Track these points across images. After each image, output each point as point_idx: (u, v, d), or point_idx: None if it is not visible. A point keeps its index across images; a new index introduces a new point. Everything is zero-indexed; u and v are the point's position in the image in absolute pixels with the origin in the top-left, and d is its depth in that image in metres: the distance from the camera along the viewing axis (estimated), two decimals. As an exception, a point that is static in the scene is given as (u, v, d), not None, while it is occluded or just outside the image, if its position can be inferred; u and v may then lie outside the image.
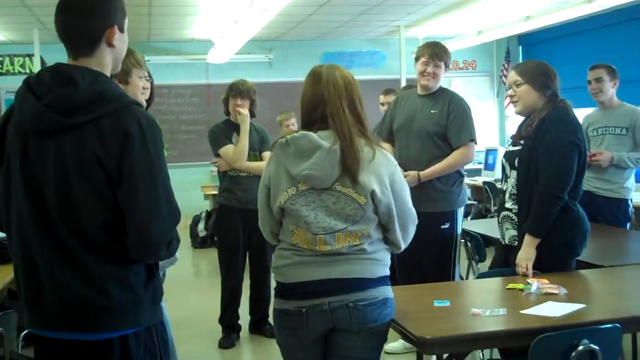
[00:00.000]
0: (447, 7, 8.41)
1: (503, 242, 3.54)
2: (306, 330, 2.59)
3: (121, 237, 2.02)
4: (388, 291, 2.62)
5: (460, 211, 4.39)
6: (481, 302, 2.87)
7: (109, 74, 2.14)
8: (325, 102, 2.57)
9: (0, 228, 2.19)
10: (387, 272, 2.66)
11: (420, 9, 8.48)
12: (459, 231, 4.37)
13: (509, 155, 3.53)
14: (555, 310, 2.73)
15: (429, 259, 4.24)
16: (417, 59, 4.38)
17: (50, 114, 1.98)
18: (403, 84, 8.85)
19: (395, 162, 2.67)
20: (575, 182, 3.32)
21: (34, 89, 2.03)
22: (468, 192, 4.78)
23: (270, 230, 2.72)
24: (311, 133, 2.55)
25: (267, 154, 4.87)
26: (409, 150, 4.31)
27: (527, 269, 3.25)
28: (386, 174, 2.56)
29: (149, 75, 4.21)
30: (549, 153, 3.28)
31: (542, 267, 3.29)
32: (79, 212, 1.99)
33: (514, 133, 3.56)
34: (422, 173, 4.20)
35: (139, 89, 2.97)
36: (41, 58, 9.40)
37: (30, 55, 9.04)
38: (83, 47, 2.08)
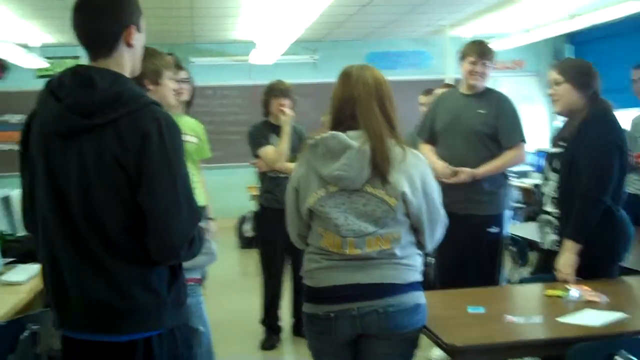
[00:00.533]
0: (492, 5, 8.25)
1: (544, 247, 3.43)
2: (335, 335, 2.54)
3: (142, 238, 2.00)
4: (420, 297, 2.55)
5: (507, 214, 4.29)
6: (517, 309, 2.79)
7: (128, 74, 2.12)
8: (355, 102, 2.52)
9: (27, 229, 2.20)
10: (419, 278, 2.59)
11: (465, 7, 8.35)
12: (505, 234, 4.26)
13: (549, 157, 3.43)
14: (594, 319, 2.63)
15: (475, 263, 4.12)
16: (462, 58, 4.25)
17: (70, 116, 1.97)
18: (449, 84, 8.73)
19: (427, 163, 2.60)
20: (617, 184, 3.20)
21: (55, 91, 2.03)
22: (516, 194, 4.62)
23: (297, 233, 2.67)
24: (340, 133, 2.50)
25: None
26: (455, 150, 4.19)
27: (567, 275, 3.14)
28: (417, 174, 2.50)
29: (189, 77, 4.25)
30: (590, 155, 3.17)
31: (582, 273, 3.17)
32: (101, 213, 1.99)
33: (555, 134, 3.45)
34: (476, 171, 4.11)
35: (169, 91, 2.96)
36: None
37: (76, 57, 9.17)
38: (101, 48, 2.07)
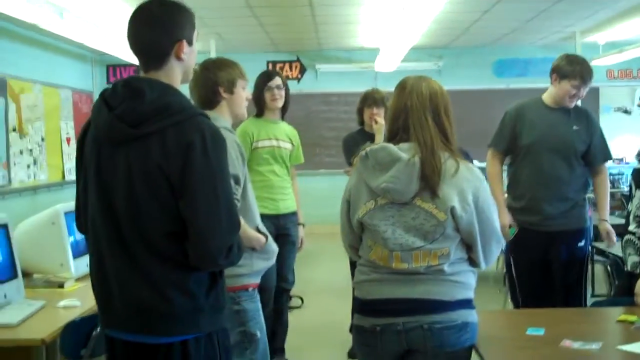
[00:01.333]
0: (625, 10, 7.86)
1: (626, 269, 3.25)
2: (381, 348, 2.54)
3: (183, 244, 2.09)
4: (469, 315, 2.50)
5: (591, 228, 4.13)
6: (579, 333, 2.64)
7: (178, 86, 2.21)
8: (408, 112, 2.51)
9: (79, 229, 2.35)
10: (470, 295, 2.54)
11: (594, 13, 8.00)
12: (589, 250, 4.11)
13: (635, 173, 3.25)
14: (659, 349, 2.48)
15: (564, 281, 3.99)
16: (564, 77, 3.99)
17: (119, 125, 2.08)
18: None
19: (482, 178, 2.54)
20: None
21: (108, 100, 2.14)
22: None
23: (349, 244, 2.69)
24: (391, 145, 2.50)
25: None
26: (547, 167, 4.01)
27: (647, 299, 2.97)
28: (470, 189, 2.45)
29: (284, 84, 4.39)
30: (676, 173, 2.98)
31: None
32: (145, 219, 2.08)
33: (642, 150, 3.27)
34: (604, 219, 4.05)
35: (242, 99, 3.05)
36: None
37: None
38: (153, 60, 2.17)
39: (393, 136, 2.56)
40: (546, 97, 4.11)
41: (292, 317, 4.99)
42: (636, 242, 3.17)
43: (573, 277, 3.98)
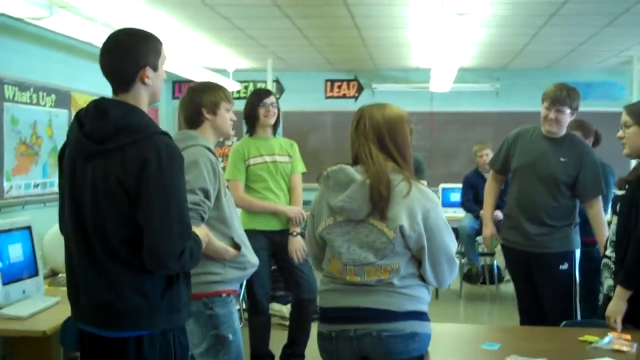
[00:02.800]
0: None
1: (602, 292, 3.32)
2: (337, 354, 2.72)
3: (140, 249, 2.34)
4: (418, 326, 2.65)
5: (577, 253, 4.19)
6: (531, 350, 2.74)
7: (145, 107, 2.47)
8: (356, 143, 2.70)
9: (61, 231, 2.63)
10: (421, 308, 2.69)
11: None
12: (577, 273, 4.16)
13: (615, 200, 3.31)
14: (599, 368, 2.56)
15: (551, 302, 4.10)
16: (541, 102, 4.20)
17: (85, 141, 2.37)
18: None
19: (436, 199, 2.70)
20: (680, 233, 3.03)
21: (81, 119, 2.44)
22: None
23: (313, 255, 2.89)
24: (348, 167, 2.69)
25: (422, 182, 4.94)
26: (530, 193, 4.20)
27: (615, 322, 3.04)
28: (420, 210, 2.61)
29: (276, 101, 4.60)
30: (649, 200, 3.04)
31: (636, 322, 3.05)
32: (106, 226, 2.35)
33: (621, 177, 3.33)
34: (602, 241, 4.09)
35: (225, 120, 3.29)
36: (278, 82, 10.39)
37: (263, 82, 9.93)
38: (120, 84, 2.44)
39: (354, 160, 2.74)
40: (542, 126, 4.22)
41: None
42: (612, 266, 3.23)
43: (557, 299, 4.07)
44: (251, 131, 4.72)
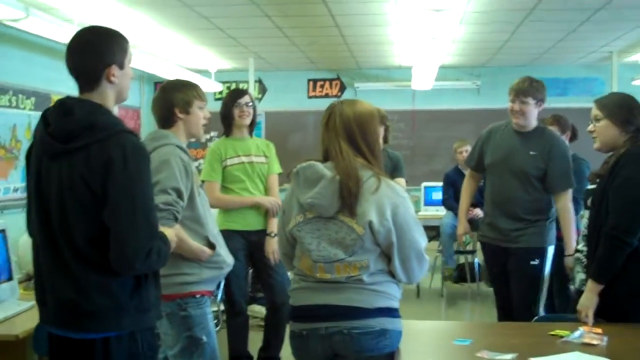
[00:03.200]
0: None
1: (574, 286, 3.33)
2: (308, 353, 2.71)
3: (107, 250, 2.31)
4: (389, 323, 2.64)
5: (551, 250, 4.20)
6: (501, 345, 2.74)
7: (111, 106, 2.44)
8: (326, 140, 2.70)
9: (29, 232, 2.61)
10: (392, 305, 2.67)
11: (624, 34, 7.96)
12: (547, 270, 4.18)
13: (586, 194, 3.33)
14: (566, 361, 2.57)
15: (517, 294, 4.18)
16: (508, 95, 4.25)
17: (50, 141, 2.34)
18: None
19: (404, 195, 2.69)
20: (650, 226, 3.04)
21: (47, 117, 2.41)
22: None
23: (283, 252, 2.87)
24: (317, 163, 2.68)
25: (400, 181, 4.94)
26: (503, 188, 4.22)
27: (587, 316, 3.05)
28: (389, 205, 2.60)
29: (252, 101, 4.58)
30: (619, 194, 3.04)
31: (607, 315, 3.06)
32: (72, 226, 2.32)
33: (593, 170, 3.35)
34: (566, 254, 4.16)
35: (199, 118, 3.26)
36: (260, 82, 10.37)
37: (245, 82, 9.92)
38: (86, 83, 2.40)
39: (324, 157, 2.74)
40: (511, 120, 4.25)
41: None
42: (583, 260, 3.25)
43: (525, 293, 4.10)
44: (227, 132, 4.69)
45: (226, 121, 4.66)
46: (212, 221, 3.26)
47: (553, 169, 4.11)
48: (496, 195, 4.23)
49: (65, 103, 2.39)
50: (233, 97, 4.63)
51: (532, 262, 4.11)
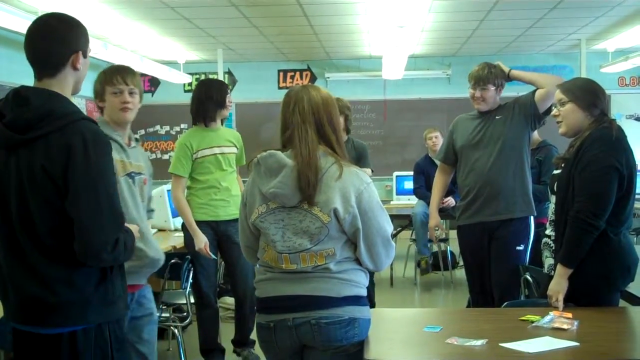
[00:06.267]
0: (627, 17, 7.82)
1: (543, 271, 3.32)
2: (277, 344, 2.66)
3: (71, 241, 2.25)
4: (356, 311, 2.59)
5: (532, 236, 4.24)
6: (472, 331, 2.72)
7: (69, 94, 2.37)
8: (292, 127, 2.63)
9: None
10: (360, 293, 2.63)
11: (592, 21, 7.99)
12: (527, 256, 4.22)
13: (552, 179, 3.32)
14: (537, 346, 2.55)
15: (498, 277, 4.17)
16: (469, 82, 4.33)
17: (6, 132, 2.26)
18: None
19: (368, 181, 2.64)
20: (618, 208, 3.04)
21: (1, 109, 2.34)
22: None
23: (245, 244, 2.80)
24: (279, 152, 2.61)
25: (366, 170, 4.91)
26: (481, 162, 4.24)
27: (557, 300, 3.04)
28: (353, 191, 2.55)
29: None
30: (585, 177, 3.03)
31: (578, 300, 3.06)
32: (33, 218, 2.25)
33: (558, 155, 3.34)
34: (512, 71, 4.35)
35: (114, 104, 3.17)
36: (230, 73, 10.27)
37: (214, 73, 9.83)
38: (48, 69, 2.33)
39: (283, 145, 2.67)
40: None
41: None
42: (552, 245, 3.24)
43: (508, 278, 4.09)
44: (204, 122, 4.64)
45: (207, 112, 4.61)
46: (139, 212, 3.19)
47: (523, 97, 4.26)
48: (475, 171, 4.25)
49: (19, 92, 2.33)
50: (225, 89, 4.67)
51: (517, 247, 4.15)
